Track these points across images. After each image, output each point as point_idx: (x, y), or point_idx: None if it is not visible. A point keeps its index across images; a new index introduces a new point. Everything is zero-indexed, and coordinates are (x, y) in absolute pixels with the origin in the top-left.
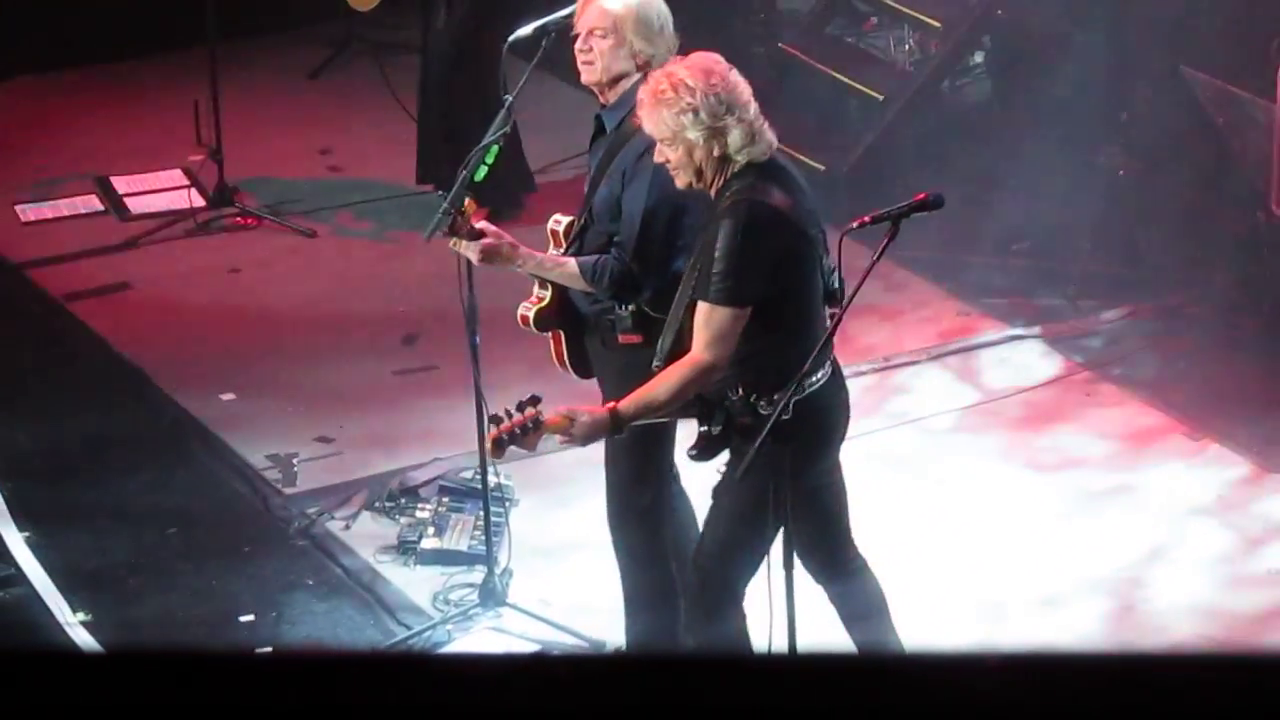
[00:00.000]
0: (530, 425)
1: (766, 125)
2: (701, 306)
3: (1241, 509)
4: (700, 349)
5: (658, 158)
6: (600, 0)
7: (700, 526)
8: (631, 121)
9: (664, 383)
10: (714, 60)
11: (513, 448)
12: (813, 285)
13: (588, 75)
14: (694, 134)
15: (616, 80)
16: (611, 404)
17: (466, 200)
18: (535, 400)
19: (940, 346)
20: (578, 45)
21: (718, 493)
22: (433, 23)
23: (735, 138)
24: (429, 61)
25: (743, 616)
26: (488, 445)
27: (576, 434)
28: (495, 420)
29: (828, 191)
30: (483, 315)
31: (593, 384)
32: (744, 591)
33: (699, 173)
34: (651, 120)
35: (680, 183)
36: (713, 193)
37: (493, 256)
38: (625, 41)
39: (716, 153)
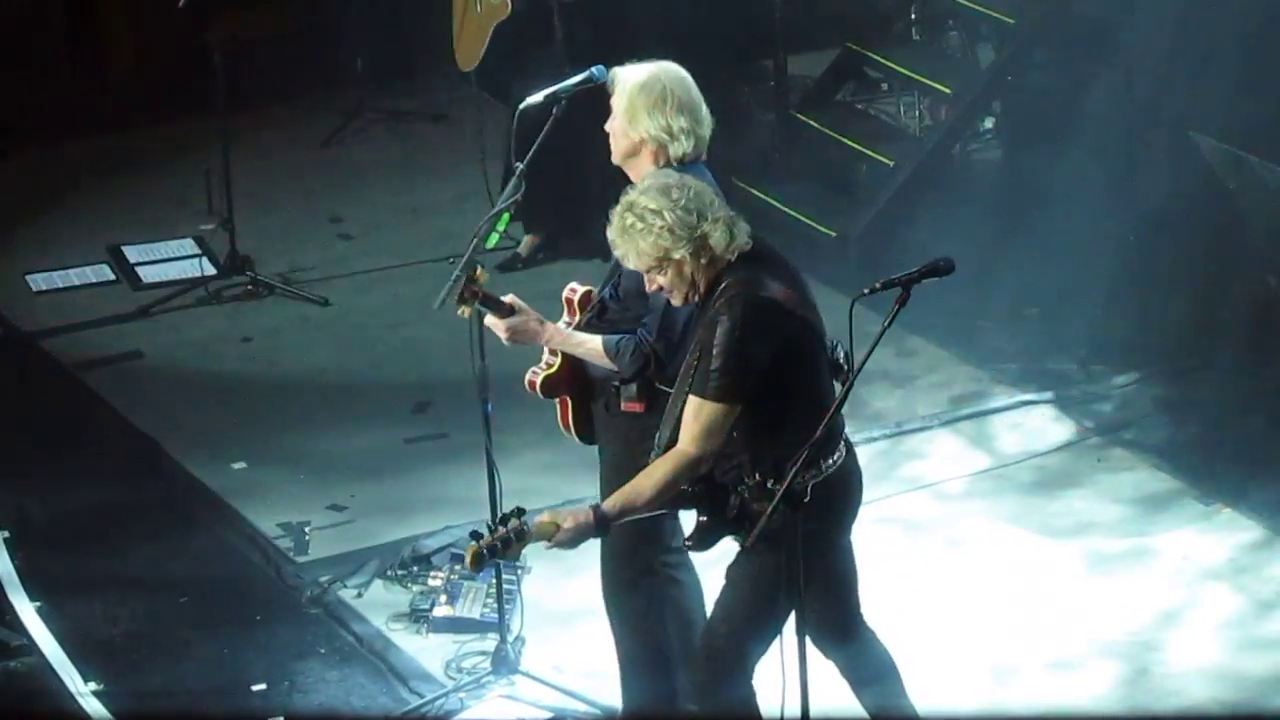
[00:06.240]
0: (512, 537)
1: (738, 216)
2: (692, 400)
3: (1253, 572)
4: (687, 443)
5: (649, 287)
6: (622, 73)
7: (706, 598)
8: None
9: (648, 479)
10: (665, 174)
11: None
12: (819, 368)
13: (614, 153)
14: (679, 252)
15: (629, 157)
16: (595, 505)
17: (477, 268)
18: (519, 512)
19: (952, 412)
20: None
21: (732, 571)
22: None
23: (718, 238)
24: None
25: (753, 689)
26: (466, 561)
27: (563, 539)
28: (475, 536)
29: (838, 257)
30: (494, 382)
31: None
32: (755, 667)
33: (694, 285)
34: (632, 254)
35: (677, 301)
36: (703, 291)
37: (521, 335)
38: (627, 120)
39: (705, 260)
